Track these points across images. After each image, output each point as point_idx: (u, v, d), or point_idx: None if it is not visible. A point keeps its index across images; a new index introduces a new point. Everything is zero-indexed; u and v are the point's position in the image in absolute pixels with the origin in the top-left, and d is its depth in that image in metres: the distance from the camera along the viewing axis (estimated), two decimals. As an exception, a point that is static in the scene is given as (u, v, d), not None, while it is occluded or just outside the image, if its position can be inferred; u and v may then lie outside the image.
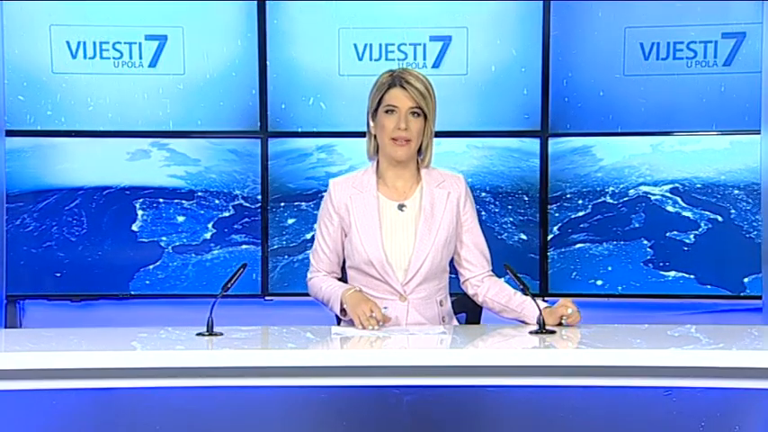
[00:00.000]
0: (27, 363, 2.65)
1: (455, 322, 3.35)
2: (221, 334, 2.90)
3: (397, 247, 3.19)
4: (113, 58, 4.79)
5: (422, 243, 3.19)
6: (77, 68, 4.78)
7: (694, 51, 4.72)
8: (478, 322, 3.45)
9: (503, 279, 3.32)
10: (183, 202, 4.84)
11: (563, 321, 3.04)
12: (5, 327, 4.76)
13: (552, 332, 2.94)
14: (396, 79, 3.18)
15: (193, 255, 4.85)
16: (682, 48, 4.73)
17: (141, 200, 4.83)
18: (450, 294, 3.31)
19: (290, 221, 4.83)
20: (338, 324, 3.27)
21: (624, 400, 2.76)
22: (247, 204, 4.83)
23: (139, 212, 4.83)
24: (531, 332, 2.97)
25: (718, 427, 2.75)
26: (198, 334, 2.90)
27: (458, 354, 2.79)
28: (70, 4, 4.76)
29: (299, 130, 4.81)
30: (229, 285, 2.99)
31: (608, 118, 4.78)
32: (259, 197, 4.82)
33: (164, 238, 4.85)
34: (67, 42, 4.77)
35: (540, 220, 4.80)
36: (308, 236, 4.80)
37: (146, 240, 4.85)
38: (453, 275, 3.33)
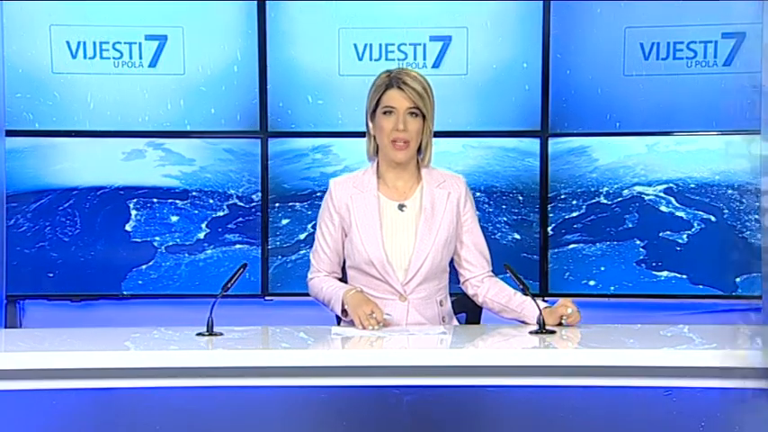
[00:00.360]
0: (27, 363, 2.65)
1: (455, 322, 3.35)
2: (221, 334, 2.90)
3: (397, 247, 3.20)
4: (113, 58, 4.77)
5: (422, 243, 3.19)
6: (77, 68, 4.76)
7: (694, 51, 4.72)
8: (478, 322, 3.45)
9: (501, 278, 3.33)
10: (177, 201, 4.82)
11: (563, 321, 3.05)
12: (5, 327, 4.73)
13: (552, 332, 2.94)
14: (393, 80, 3.18)
15: (186, 255, 4.84)
16: (682, 48, 4.73)
17: (135, 200, 4.81)
18: (451, 294, 3.31)
19: (284, 222, 4.82)
20: (338, 324, 3.27)
21: (624, 400, 2.76)
22: (242, 204, 4.82)
23: (133, 212, 4.81)
24: (531, 332, 2.97)
25: (718, 427, 2.75)
26: (198, 334, 2.90)
27: (458, 354, 2.80)
28: (70, 4, 4.74)
29: (293, 127, 4.79)
30: (229, 285, 2.99)
31: (607, 118, 4.77)
32: (254, 197, 4.81)
33: (157, 238, 4.83)
34: (67, 42, 4.75)
35: (540, 220, 4.80)
36: (302, 236, 4.79)
37: (139, 240, 4.83)
38: (453, 275, 3.33)
